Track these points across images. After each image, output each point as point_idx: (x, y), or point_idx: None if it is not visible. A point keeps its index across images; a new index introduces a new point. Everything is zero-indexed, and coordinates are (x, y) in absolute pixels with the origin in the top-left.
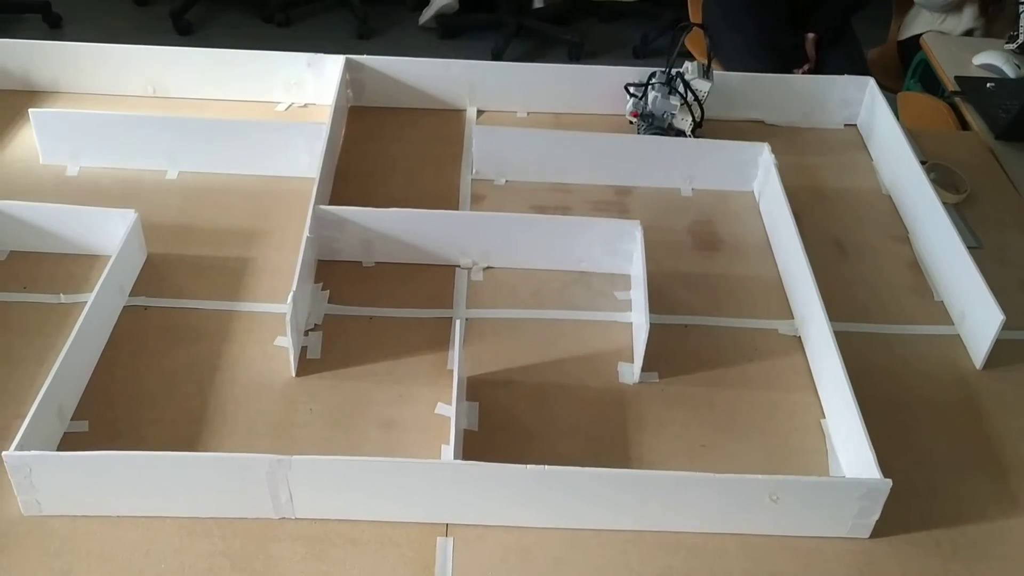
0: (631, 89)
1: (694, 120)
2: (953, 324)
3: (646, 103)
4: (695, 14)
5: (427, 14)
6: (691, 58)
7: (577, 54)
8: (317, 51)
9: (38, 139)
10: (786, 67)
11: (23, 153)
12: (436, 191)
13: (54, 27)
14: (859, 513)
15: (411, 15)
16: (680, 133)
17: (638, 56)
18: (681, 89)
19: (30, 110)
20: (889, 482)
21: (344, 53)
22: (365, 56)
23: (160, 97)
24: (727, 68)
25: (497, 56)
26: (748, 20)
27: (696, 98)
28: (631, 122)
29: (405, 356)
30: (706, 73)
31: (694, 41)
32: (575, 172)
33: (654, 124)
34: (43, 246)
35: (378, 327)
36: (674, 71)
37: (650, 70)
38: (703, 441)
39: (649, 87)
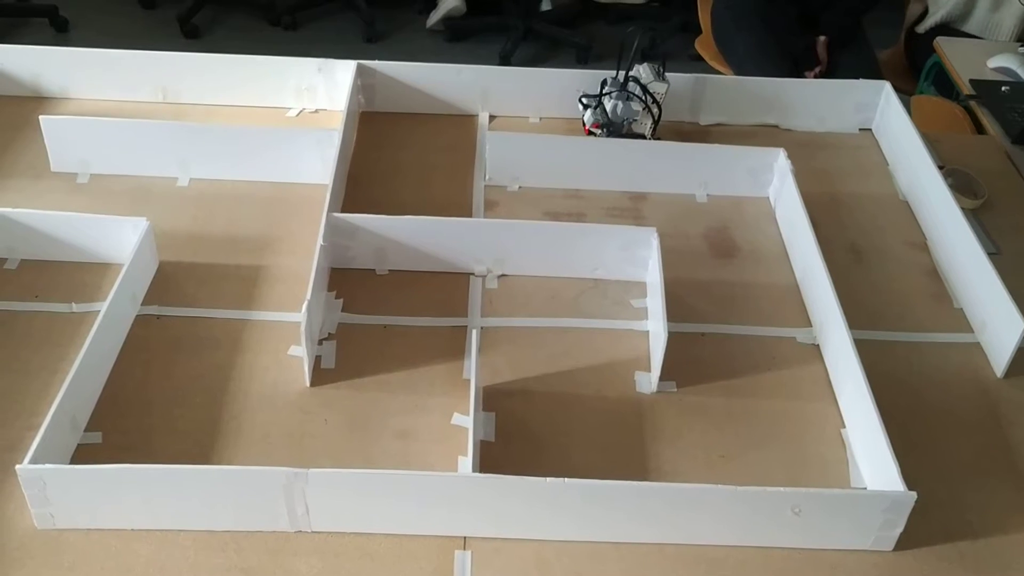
0: (584, 100)
1: (654, 122)
2: (973, 332)
3: (603, 112)
4: (704, 16)
5: (434, 17)
6: (700, 60)
7: (585, 57)
8: (324, 55)
9: (49, 146)
10: (796, 70)
11: (33, 160)
12: (449, 197)
13: (61, 31)
14: (883, 526)
15: (418, 18)
16: (639, 138)
17: (646, 59)
18: (639, 93)
19: (41, 117)
20: (914, 495)
21: (351, 56)
22: (376, 62)
23: (170, 103)
24: (737, 71)
25: (505, 59)
26: (757, 22)
27: (655, 100)
28: (593, 134)
29: (420, 365)
30: (660, 74)
31: (703, 44)
32: (589, 178)
33: (612, 132)
34: (54, 255)
35: (392, 336)
36: (623, 75)
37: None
38: (722, 451)
39: (605, 96)
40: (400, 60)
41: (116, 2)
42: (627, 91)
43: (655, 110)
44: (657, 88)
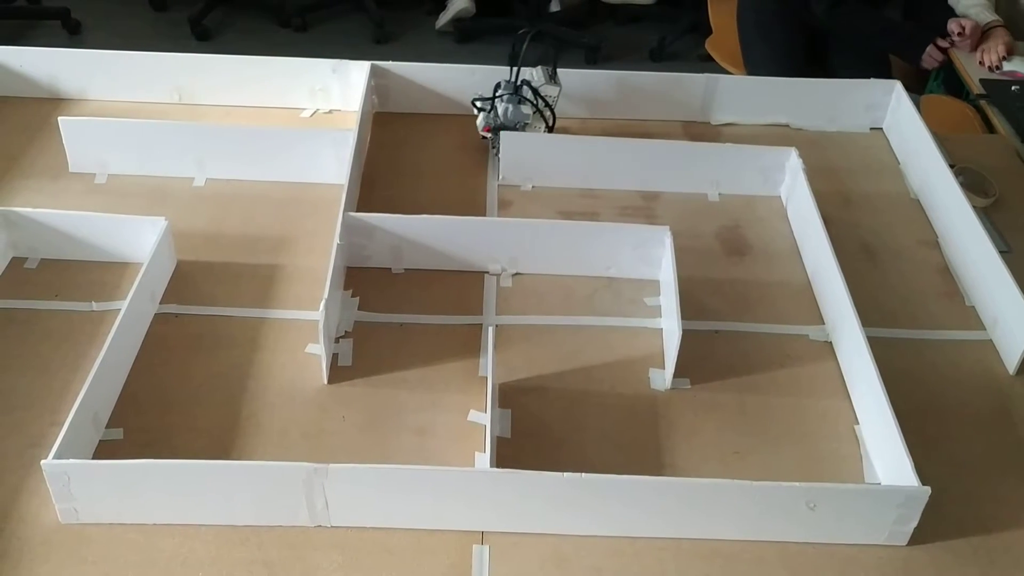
0: (478, 104)
1: (547, 126)
2: (985, 329)
3: (496, 115)
4: (714, 17)
5: (444, 18)
6: (709, 60)
7: (594, 58)
8: (334, 56)
9: (67, 147)
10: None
11: (52, 161)
12: (462, 197)
13: (73, 33)
14: (897, 520)
15: (427, 19)
16: None
17: (655, 59)
18: (531, 97)
19: (59, 118)
20: (928, 489)
21: (361, 58)
22: (390, 62)
23: (186, 104)
24: (751, 74)
25: (514, 60)
26: (779, 33)
27: (547, 104)
28: (484, 138)
29: (436, 363)
30: (552, 78)
31: (714, 44)
32: (602, 177)
33: None
34: (74, 254)
35: (408, 334)
36: (519, 80)
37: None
38: (736, 448)
39: (497, 99)
40: (410, 61)
41: (127, 4)
42: (519, 94)
43: (547, 113)
44: (549, 91)
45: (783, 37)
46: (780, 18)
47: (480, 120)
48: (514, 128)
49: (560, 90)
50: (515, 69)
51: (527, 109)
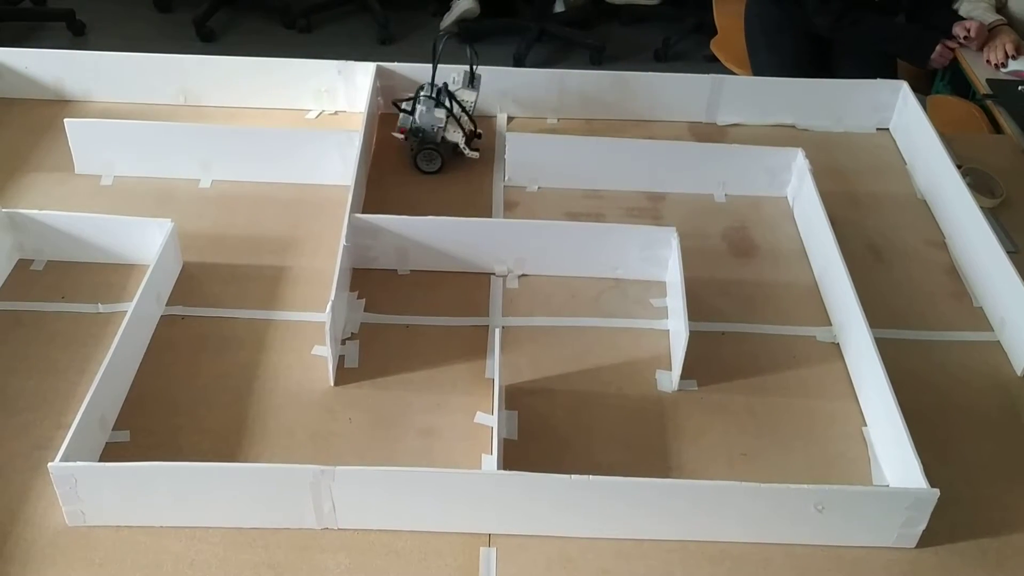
0: (402, 105)
1: (464, 132)
2: (993, 330)
3: (415, 118)
4: (719, 18)
5: (448, 19)
6: (715, 61)
7: (599, 58)
8: (339, 57)
9: (73, 149)
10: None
11: (58, 163)
12: (468, 198)
13: (78, 35)
14: (906, 523)
15: (432, 20)
16: (455, 146)
17: (660, 60)
18: (447, 102)
19: (65, 120)
20: (936, 492)
21: (366, 59)
22: (395, 63)
23: (191, 105)
24: (755, 75)
25: (519, 61)
26: (784, 39)
27: (464, 109)
28: (404, 139)
29: (442, 364)
30: (471, 82)
31: (719, 44)
32: (607, 178)
33: (425, 139)
34: (80, 256)
35: (414, 335)
36: (440, 83)
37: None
38: (744, 449)
39: (417, 101)
40: (414, 62)
41: (132, 6)
42: (436, 98)
43: (464, 118)
44: (465, 96)
45: (790, 45)
46: (786, 26)
47: (400, 121)
48: (431, 131)
49: (478, 95)
50: (433, 71)
51: (440, 113)
